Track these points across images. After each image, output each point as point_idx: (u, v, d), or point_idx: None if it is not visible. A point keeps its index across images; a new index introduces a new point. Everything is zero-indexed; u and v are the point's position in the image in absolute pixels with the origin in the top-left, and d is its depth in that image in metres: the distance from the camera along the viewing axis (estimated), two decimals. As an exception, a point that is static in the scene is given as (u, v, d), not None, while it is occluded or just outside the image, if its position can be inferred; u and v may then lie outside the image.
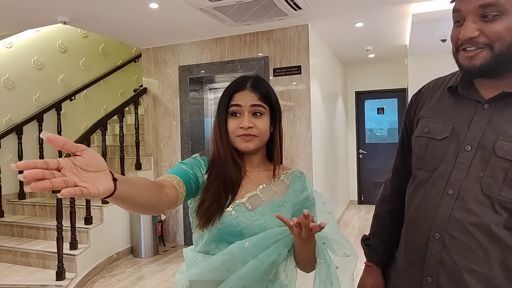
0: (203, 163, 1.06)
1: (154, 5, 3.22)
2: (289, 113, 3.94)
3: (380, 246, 1.15)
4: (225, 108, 1.05)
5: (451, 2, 0.91)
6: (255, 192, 1.04)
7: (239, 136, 1.03)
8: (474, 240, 0.86)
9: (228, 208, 0.99)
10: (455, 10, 0.88)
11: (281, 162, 1.13)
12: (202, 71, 4.36)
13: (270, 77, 4.00)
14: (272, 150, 1.11)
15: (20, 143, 4.22)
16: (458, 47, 0.88)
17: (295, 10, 3.37)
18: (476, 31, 0.83)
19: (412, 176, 1.04)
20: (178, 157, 4.48)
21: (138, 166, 4.45)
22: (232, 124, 1.04)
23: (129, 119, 5.46)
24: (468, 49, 0.86)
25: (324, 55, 4.65)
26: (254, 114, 1.04)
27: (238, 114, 1.04)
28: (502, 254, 0.85)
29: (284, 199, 1.05)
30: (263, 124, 1.04)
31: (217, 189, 1.00)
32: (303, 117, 3.89)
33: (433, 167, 0.94)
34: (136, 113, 4.54)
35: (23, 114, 4.38)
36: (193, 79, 4.49)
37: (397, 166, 1.16)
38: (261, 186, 1.05)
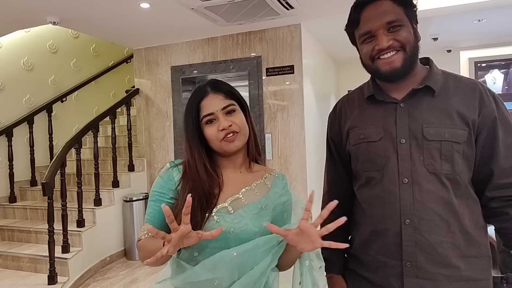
0: (175, 174, 1.05)
1: (145, 5, 3.19)
2: (283, 112, 3.93)
3: (334, 256, 1.22)
4: (196, 120, 1.04)
5: (350, 29, 1.11)
6: (237, 195, 1.03)
7: (222, 139, 1.02)
8: (437, 215, 1.01)
9: (211, 214, 0.98)
10: (364, 34, 1.05)
11: (259, 155, 1.14)
12: (194, 72, 4.33)
13: (263, 77, 3.98)
14: (249, 145, 1.11)
15: (10, 146, 4.16)
16: (374, 57, 1.05)
17: (288, 9, 3.36)
18: (390, 40, 1.02)
19: (361, 180, 1.14)
20: (171, 158, 4.45)
21: (131, 168, 4.41)
22: (211, 130, 1.03)
23: (122, 120, 5.41)
24: (386, 55, 1.03)
25: (317, 54, 4.65)
26: (228, 113, 1.04)
27: (213, 120, 1.03)
28: (459, 221, 1.01)
29: (265, 201, 1.04)
30: (239, 118, 1.04)
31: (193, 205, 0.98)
32: (297, 116, 3.89)
33: (381, 164, 1.07)
34: (129, 114, 4.50)
35: (13, 116, 4.32)
36: (186, 80, 4.46)
37: (332, 179, 1.28)
38: (244, 189, 1.04)
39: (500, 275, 1.06)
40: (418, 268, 1.02)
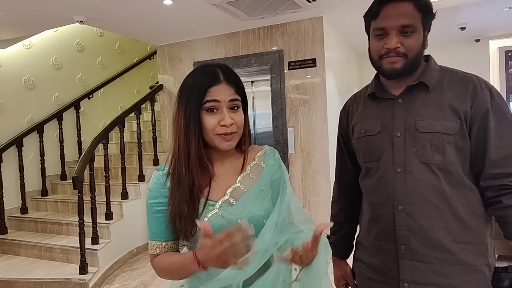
0: (163, 178, 1.00)
1: (168, 2, 3.24)
2: (305, 106, 3.92)
3: (339, 241, 1.38)
4: (198, 103, 0.95)
5: (368, 18, 1.17)
6: (235, 185, 1.01)
7: (219, 134, 0.96)
8: (428, 202, 1.07)
9: (214, 211, 0.96)
10: (379, 29, 1.11)
11: (249, 144, 1.09)
12: (216, 67, 4.36)
13: (285, 71, 3.97)
14: (240, 139, 1.04)
15: (41, 142, 4.33)
16: (382, 55, 1.12)
17: (309, 2, 3.33)
18: (399, 43, 1.09)
19: (363, 171, 1.24)
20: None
21: (156, 162, 4.51)
22: (210, 121, 0.95)
23: (146, 116, 5.52)
24: (391, 55, 1.10)
25: (339, 47, 4.59)
26: (231, 108, 0.98)
27: (215, 110, 0.96)
28: (450, 208, 1.07)
29: (261, 182, 1.03)
30: (240, 118, 1.00)
31: (179, 201, 0.94)
32: (319, 110, 3.86)
33: (378, 156, 1.16)
34: (153, 110, 4.59)
35: (43, 113, 4.49)
36: (208, 75, 4.49)
37: (340, 171, 1.40)
38: (240, 178, 1.02)
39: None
40: (411, 251, 1.09)
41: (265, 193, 1.02)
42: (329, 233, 1.42)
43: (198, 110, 0.95)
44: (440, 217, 1.07)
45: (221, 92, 0.95)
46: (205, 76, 0.97)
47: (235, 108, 0.99)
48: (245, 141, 1.06)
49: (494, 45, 5.40)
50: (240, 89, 1.00)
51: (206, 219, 0.95)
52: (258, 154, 1.08)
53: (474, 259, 1.07)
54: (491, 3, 3.76)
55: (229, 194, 0.99)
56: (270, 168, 1.07)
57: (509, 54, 5.49)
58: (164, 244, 1.00)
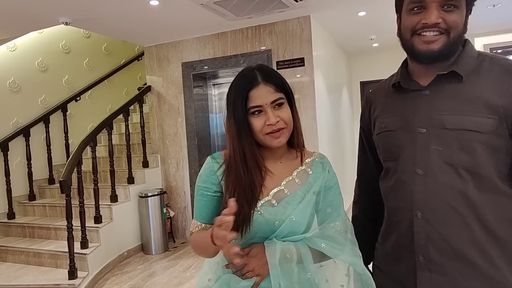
0: (216, 167, 1.04)
1: (154, 2, 3.21)
2: (294, 105, 3.92)
3: (360, 246, 1.19)
4: (244, 109, 1.00)
5: None
6: (279, 187, 1.03)
7: (267, 134, 1.00)
8: (451, 208, 0.94)
9: (256, 208, 0.99)
10: (415, 1, 0.96)
11: (303, 146, 1.11)
12: (205, 67, 4.35)
13: (274, 70, 3.97)
14: (292, 136, 1.07)
15: (28, 145, 4.26)
16: (416, 31, 0.96)
17: (296, 1, 3.33)
18: (440, 18, 0.93)
19: (383, 170, 1.12)
20: (185, 154, 4.49)
21: (145, 164, 4.47)
22: (257, 123, 1.00)
23: (135, 117, 5.48)
24: (427, 33, 0.95)
25: (327, 46, 4.61)
26: (276, 106, 1.01)
27: (261, 112, 1.00)
28: (476, 216, 0.93)
29: (306, 188, 1.04)
30: (287, 113, 1.02)
31: (238, 199, 0.95)
32: (308, 109, 3.87)
33: (398, 154, 1.04)
34: (141, 111, 4.55)
35: (29, 116, 4.41)
36: (197, 75, 4.48)
37: (361, 168, 1.28)
38: (284, 181, 1.04)
39: None
40: (431, 262, 0.97)
41: (308, 200, 1.02)
42: None
43: (245, 115, 1.00)
44: (464, 225, 0.94)
45: (262, 95, 0.99)
46: (244, 81, 1.02)
47: (280, 105, 1.01)
48: (297, 138, 1.08)
49: (479, 43, 5.49)
50: (281, 87, 1.02)
51: None
52: (306, 160, 1.09)
53: (502, 276, 0.92)
54: (476, 1, 3.82)
55: (272, 195, 1.02)
56: (315, 175, 1.07)
57: (494, 51, 5.58)
58: (203, 226, 1.05)
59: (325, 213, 1.07)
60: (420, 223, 0.98)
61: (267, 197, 1.01)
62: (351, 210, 1.34)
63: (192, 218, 1.11)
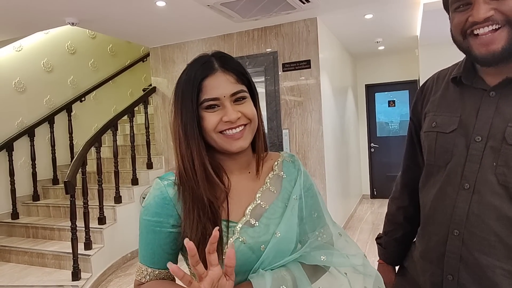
0: (169, 191, 0.80)
1: (161, 3, 3.20)
2: (299, 108, 3.90)
3: (392, 244, 1.16)
4: (194, 101, 0.79)
5: None
6: (255, 202, 0.84)
7: (222, 132, 0.79)
8: (494, 235, 0.82)
9: (236, 235, 0.79)
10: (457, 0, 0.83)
11: (266, 150, 0.91)
12: (210, 69, 4.33)
13: (280, 72, 3.95)
14: (254, 139, 0.87)
15: (32, 145, 4.26)
16: (466, 31, 0.82)
17: (304, 3, 3.32)
18: (491, 10, 0.77)
19: (424, 171, 1.00)
20: (189, 156, 4.47)
21: (150, 165, 4.46)
22: (211, 119, 0.79)
23: (139, 118, 5.47)
24: (482, 30, 0.79)
25: (333, 48, 4.59)
26: (237, 100, 0.81)
27: (216, 107, 0.79)
28: None
29: (283, 195, 0.86)
30: (250, 108, 0.82)
31: (198, 220, 0.76)
32: (314, 111, 3.85)
33: (445, 161, 0.91)
34: (146, 113, 4.54)
35: (34, 116, 4.42)
36: (202, 77, 4.46)
37: (407, 163, 1.14)
38: (258, 194, 0.85)
39: None
40: (460, 285, 0.87)
41: (291, 209, 0.84)
42: (380, 232, 1.23)
43: (195, 110, 0.79)
44: (507, 257, 0.81)
45: (218, 85, 0.78)
46: (197, 68, 0.80)
47: (241, 99, 0.81)
48: (261, 141, 0.87)
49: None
50: (242, 76, 0.82)
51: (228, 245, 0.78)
52: (276, 163, 0.91)
53: None
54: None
55: (249, 213, 0.82)
56: (290, 177, 0.89)
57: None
58: (157, 272, 0.81)
59: (312, 218, 0.88)
60: (455, 243, 0.87)
61: (243, 218, 0.81)
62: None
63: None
